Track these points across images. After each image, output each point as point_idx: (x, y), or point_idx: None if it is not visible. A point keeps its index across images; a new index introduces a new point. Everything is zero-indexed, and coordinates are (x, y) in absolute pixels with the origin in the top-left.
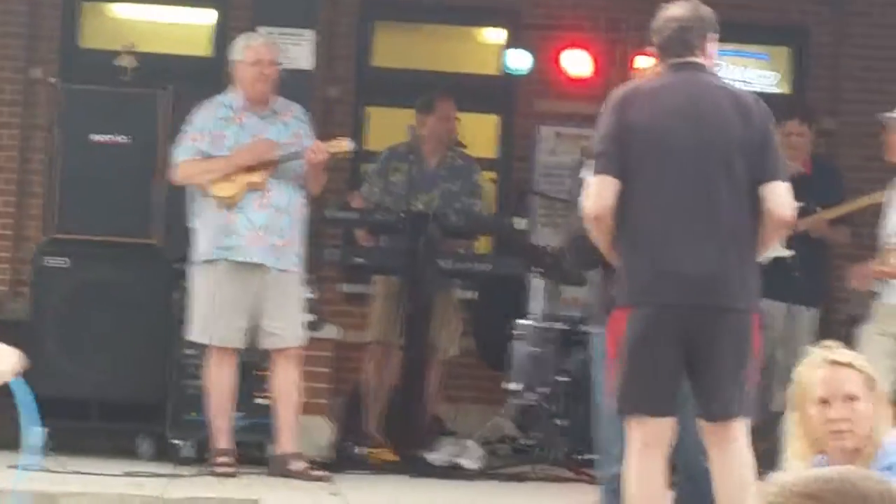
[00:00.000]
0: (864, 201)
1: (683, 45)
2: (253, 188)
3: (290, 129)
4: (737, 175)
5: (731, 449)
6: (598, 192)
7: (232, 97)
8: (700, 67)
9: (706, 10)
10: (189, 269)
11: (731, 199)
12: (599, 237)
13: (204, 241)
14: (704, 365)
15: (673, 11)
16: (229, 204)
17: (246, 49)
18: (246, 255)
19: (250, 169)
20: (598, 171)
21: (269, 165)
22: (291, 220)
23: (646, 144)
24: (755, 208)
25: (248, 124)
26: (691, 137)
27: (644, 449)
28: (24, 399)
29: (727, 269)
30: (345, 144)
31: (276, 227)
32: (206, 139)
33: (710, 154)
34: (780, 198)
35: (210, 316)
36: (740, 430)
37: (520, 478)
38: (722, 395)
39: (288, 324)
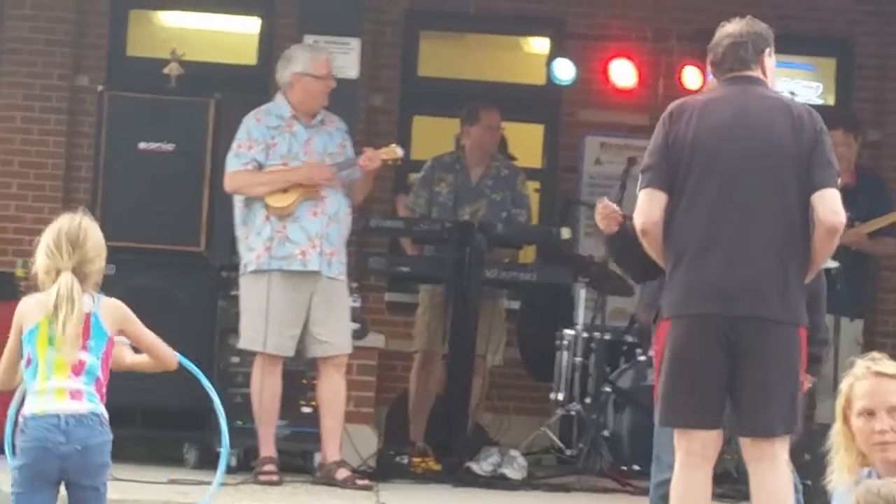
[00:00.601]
0: None
1: (737, 60)
2: (310, 197)
3: (335, 139)
4: (787, 187)
5: (769, 466)
6: (645, 206)
7: (280, 106)
8: (753, 80)
9: (761, 27)
10: (240, 278)
11: (778, 211)
12: (650, 250)
13: (257, 250)
14: (746, 378)
15: (728, 28)
16: (284, 214)
17: (315, 62)
18: (302, 264)
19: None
20: (645, 185)
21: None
22: (340, 227)
23: (691, 158)
24: (807, 221)
25: (298, 133)
26: (737, 150)
27: (688, 459)
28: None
29: (766, 281)
30: (396, 151)
31: (328, 234)
32: (259, 148)
33: (757, 166)
34: (829, 205)
35: (263, 324)
36: (780, 447)
37: (564, 488)
38: (763, 411)
39: (335, 331)
